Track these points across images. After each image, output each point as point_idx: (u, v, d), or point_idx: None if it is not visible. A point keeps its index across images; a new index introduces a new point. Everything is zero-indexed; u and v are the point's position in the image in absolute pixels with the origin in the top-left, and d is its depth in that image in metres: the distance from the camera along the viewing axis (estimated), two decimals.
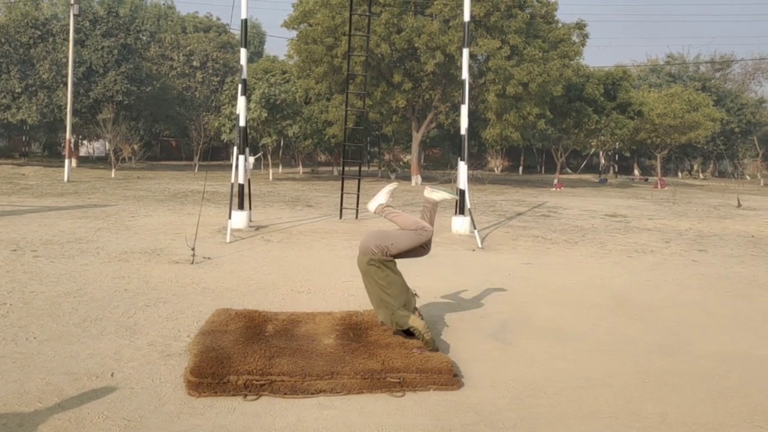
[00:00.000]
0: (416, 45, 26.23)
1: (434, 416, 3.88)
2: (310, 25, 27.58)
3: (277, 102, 28.79)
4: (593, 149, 51.03)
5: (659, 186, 35.46)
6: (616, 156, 56.42)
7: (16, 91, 32.62)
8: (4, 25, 34.82)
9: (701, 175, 57.49)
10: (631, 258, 10.23)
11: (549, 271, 8.85)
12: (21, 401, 3.86)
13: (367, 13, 17.30)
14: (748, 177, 55.03)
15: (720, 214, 19.27)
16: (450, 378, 4.31)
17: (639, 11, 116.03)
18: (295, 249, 9.92)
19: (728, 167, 57.92)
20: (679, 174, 57.57)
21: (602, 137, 38.30)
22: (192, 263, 8.29)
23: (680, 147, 47.98)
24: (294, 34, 29.26)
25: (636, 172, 55.79)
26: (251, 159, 12.78)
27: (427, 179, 32.79)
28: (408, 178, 32.20)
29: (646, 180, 45.61)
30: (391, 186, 5.50)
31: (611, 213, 18.33)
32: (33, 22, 34.63)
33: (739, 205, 22.30)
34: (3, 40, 33.46)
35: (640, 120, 35.64)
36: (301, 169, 39.84)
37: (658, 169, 43.76)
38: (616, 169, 55.76)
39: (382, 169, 38.74)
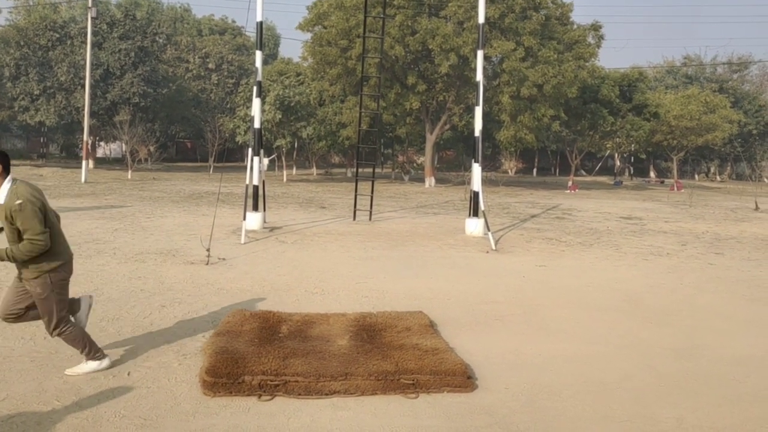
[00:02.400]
0: (430, 47, 26.21)
1: (448, 418, 3.88)
2: (325, 28, 27.65)
3: (292, 104, 28.90)
4: (608, 151, 50.66)
5: (675, 188, 35.12)
6: (632, 158, 55.93)
7: (35, 93, 33.02)
8: (23, 28, 35.27)
9: (718, 178, 56.87)
10: (647, 261, 10.15)
11: (563, 273, 8.81)
12: (39, 399, 3.91)
13: (382, 15, 17.33)
14: (766, 179, 54.34)
15: (737, 216, 19.06)
16: (464, 380, 4.31)
17: (655, 12, 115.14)
18: (309, 250, 9.95)
19: (746, 170, 57.23)
20: (696, 176, 56.97)
21: (617, 139, 38.00)
22: (207, 264, 8.35)
23: (697, 149, 47.45)
24: (308, 36, 29.37)
25: (652, 174, 55.31)
26: (265, 161, 12.85)
27: (440, 181, 32.75)
28: (422, 180, 32.18)
29: (662, 182, 45.21)
30: None
31: (626, 215, 18.20)
32: (51, 25, 35.04)
33: (757, 208, 22.03)
34: (22, 43, 33.90)
35: (656, 122, 35.33)
36: (315, 170, 39.95)
37: (675, 172, 43.34)
38: (632, 172, 55.31)
39: (396, 170, 38.73)
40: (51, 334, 4.25)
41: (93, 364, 4.37)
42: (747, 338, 5.83)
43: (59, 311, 4.22)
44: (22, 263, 4.10)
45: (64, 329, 4.23)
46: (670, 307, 6.99)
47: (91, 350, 4.37)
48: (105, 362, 4.43)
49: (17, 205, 3.89)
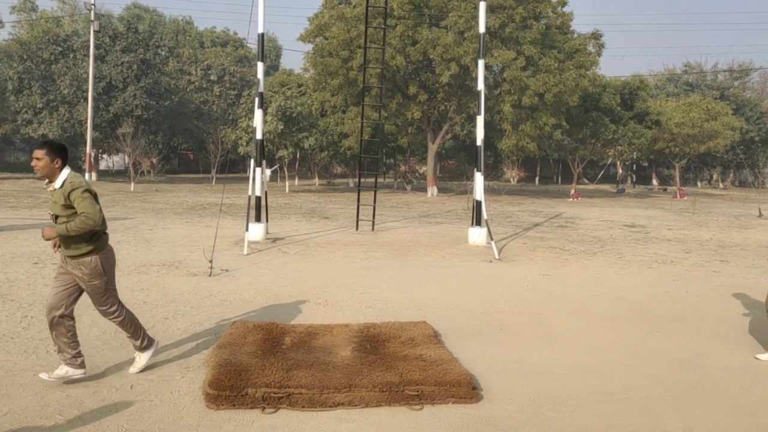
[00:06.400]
0: (431, 57, 26.30)
1: (453, 430, 3.85)
2: (326, 39, 27.78)
3: (294, 114, 28.98)
4: (610, 159, 50.68)
5: (678, 196, 35.07)
6: (634, 166, 55.90)
7: (38, 106, 33.18)
8: (27, 41, 35.51)
9: (721, 185, 56.80)
10: (651, 269, 10.11)
11: (567, 282, 8.77)
12: (42, 414, 3.89)
13: (383, 26, 17.40)
14: None
15: (741, 224, 19.00)
16: (469, 391, 4.27)
17: (655, 20, 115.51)
18: (311, 261, 9.93)
19: (748, 176, 57.14)
20: (699, 184, 56.92)
21: (619, 147, 38.01)
22: (210, 275, 8.33)
23: (699, 156, 47.44)
24: (310, 47, 29.50)
25: (654, 182, 55.25)
26: (268, 171, 12.86)
27: (443, 190, 32.75)
28: (424, 190, 32.19)
29: (665, 190, 45.16)
30: None
31: (630, 223, 18.16)
32: (54, 38, 35.27)
33: (761, 215, 21.98)
34: (25, 57, 34.11)
35: (657, 129, 35.33)
36: (317, 181, 39.99)
37: (677, 179, 43.31)
38: (634, 179, 55.26)
39: (398, 180, 38.78)
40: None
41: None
42: (754, 346, 5.79)
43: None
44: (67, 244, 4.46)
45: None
46: (676, 315, 6.95)
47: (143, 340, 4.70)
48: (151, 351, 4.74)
49: (77, 189, 4.30)
